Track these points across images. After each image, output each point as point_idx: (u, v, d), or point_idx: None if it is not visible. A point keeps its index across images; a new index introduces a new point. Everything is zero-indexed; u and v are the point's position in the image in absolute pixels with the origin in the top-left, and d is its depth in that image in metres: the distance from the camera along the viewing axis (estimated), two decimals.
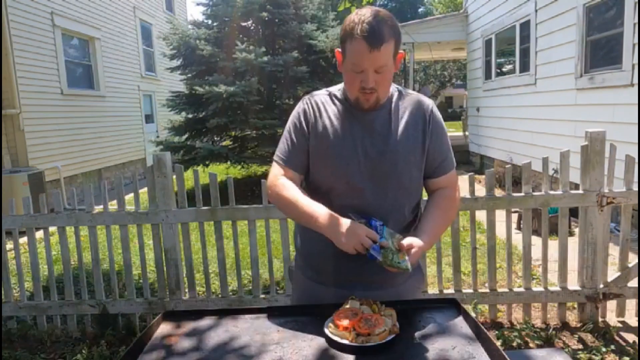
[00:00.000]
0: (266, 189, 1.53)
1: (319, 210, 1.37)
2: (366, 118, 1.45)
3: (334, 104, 1.50)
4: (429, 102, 1.53)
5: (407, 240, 1.32)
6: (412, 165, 1.46)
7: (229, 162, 8.14)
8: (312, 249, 1.53)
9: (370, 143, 1.44)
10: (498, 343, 2.43)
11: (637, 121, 4.69)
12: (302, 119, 1.49)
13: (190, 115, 8.54)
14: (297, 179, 1.50)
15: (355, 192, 1.44)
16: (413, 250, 1.31)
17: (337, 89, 1.54)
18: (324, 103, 1.50)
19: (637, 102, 4.73)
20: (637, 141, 4.58)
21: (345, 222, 1.32)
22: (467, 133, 11.93)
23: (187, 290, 3.29)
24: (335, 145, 1.44)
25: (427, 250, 1.39)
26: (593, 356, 2.70)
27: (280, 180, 1.47)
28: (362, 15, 1.32)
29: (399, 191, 1.46)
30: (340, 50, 1.41)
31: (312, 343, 1.24)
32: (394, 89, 1.52)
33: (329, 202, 1.45)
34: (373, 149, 1.44)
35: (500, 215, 3.15)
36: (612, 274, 3.13)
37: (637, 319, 3.13)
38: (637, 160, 3.04)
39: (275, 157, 1.53)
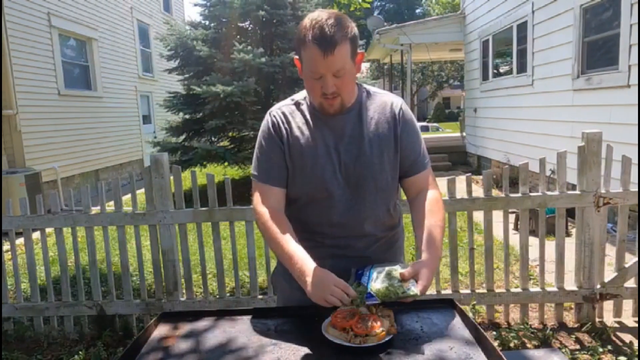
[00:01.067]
0: (252, 212, 1.49)
1: (297, 256, 1.32)
2: (336, 123, 1.43)
3: (301, 112, 1.46)
4: (399, 101, 1.50)
5: (411, 268, 1.29)
6: (387, 166, 1.45)
7: (226, 163, 8.13)
8: None
9: (343, 149, 1.42)
10: (495, 343, 2.44)
11: (633, 122, 4.70)
12: (273, 132, 1.45)
13: (187, 116, 8.54)
14: (281, 195, 1.46)
15: (333, 200, 1.43)
16: (420, 276, 1.27)
17: (301, 96, 1.50)
18: (291, 113, 1.47)
19: (633, 102, 4.75)
20: (634, 142, 4.60)
21: (315, 273, 1.27)
22: (464, 134, 11.95)
23: (184, 291, 3.29)
24: (309, 155, 1.42)
25: (437, 265, 1.34)
26: (590, 356, 2.71)
27: (263, 209, 1.42)
28: (313, 19, 1.29)
29: (377, 194, 1.45)
30: (298, 58, 1.38)
31: (310, 344, 1.24)
32: (362, 90, 1.49)
33: (306, 213, 1.45)
34: (347, 154, 1.42)
35: (497, 215, 3.16)
36: (609, 274, 3.14)
37: (633, 319, 3.14)
38: (635, 161, 3.05)
39: (253, 177, 1.49)
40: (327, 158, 1.41)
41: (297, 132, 1.44)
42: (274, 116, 1.48)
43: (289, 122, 1.45)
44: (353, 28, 1.33)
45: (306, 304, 1.46)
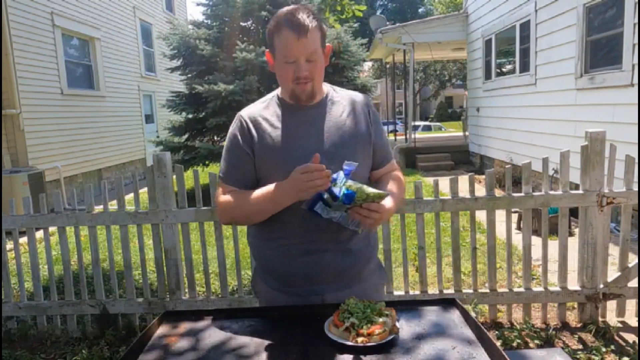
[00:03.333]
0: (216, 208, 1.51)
1: (262, 191, 1.37)
2: (308, 118, 1.45)
3: (272, 110, 1.47)
4: (365, 96, 1.56)
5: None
6: (361, 157, 1.44)
7: None
8: (270, 255, 1.50)
9: (316, 142, 1.43)
10: (498, 343, 2.43)
11: (636, 121, 4.69)
12: (240, 138, 1.45)
13: (190, 115, 8.55)
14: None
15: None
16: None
17: (270, 96, 1.52)
18: (260, 114, 1.47)
19: (637, 102, 4.73)
20: (636, 141, 4.58)
21: (282, 183, 1.32)
22: (467, 133, 11.93)
23: (187, 290, 3.29)
24: (284, 151, 1.41)
25: (394, 210, 1.42)
26: (593, 356, 2.70)
27: (222, 197, 1.47)
28: (285, 11, 1.37)
29: None
30: (269, 50, 1.43)
31: (312, 343, 1.24)
32: (328, 87, 1.53)
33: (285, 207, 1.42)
34: (321, 147, 1.42)
35: (500, 215, 3.15)
36: (612, 274, 3.14)
37: (636, 319, 3.14)
38: (637, 160, 3.04)
39: (218, 178, 1.53)
40: (301, 152, 1.40)
41: (268, 132, 1.44)
42: (242, 121, 1.47)
43: (258, 124, 1.45)
44: (321, 22, 1.41)
45: (286, 303, 1.47)
